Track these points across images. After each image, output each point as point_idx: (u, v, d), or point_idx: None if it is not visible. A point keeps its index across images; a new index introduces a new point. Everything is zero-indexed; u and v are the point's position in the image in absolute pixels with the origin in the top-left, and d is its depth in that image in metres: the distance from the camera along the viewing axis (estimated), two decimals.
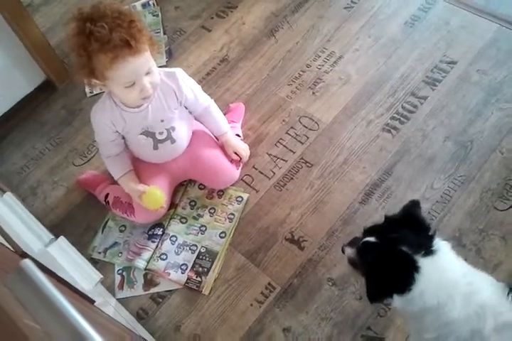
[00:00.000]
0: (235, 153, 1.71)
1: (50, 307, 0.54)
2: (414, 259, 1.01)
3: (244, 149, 1.74)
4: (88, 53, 1.24)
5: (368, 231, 1.15)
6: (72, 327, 0.54)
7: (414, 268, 1.01)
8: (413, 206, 1.15)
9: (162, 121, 1.50)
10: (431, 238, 1.06)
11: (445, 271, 1.02)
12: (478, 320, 0.97)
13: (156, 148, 1.56)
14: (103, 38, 1.20)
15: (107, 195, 1.71)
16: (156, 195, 1.53)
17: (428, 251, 1.02)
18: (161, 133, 1.53)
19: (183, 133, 1.60)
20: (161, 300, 1.58)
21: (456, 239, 1.55)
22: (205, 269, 1.60)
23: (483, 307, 0.98)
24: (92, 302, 1.22)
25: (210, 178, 1.71)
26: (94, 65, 1.27)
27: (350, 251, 1.19)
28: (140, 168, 1.64)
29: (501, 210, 1.59)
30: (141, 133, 1.51)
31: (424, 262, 1.01)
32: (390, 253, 1.04)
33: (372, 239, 1.10)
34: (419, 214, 1.13)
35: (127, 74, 1.28)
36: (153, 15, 2.24)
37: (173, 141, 1.57)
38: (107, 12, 1.22)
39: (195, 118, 1.70)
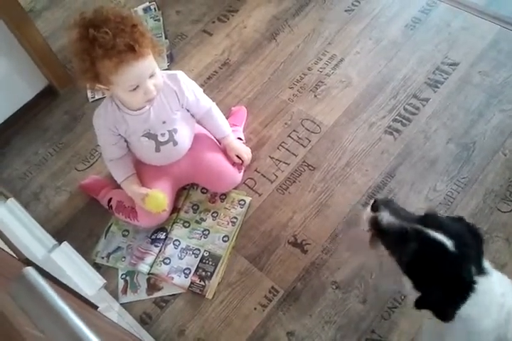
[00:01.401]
0: (237, 156, 1.71)
1: (52, 314, 0.54)
2: (474, 281, 0.95)
3: (246, 152, 1.74)
4: (92, 58, 1.24)
5: (427, 220, 1.03)
6: (74, 335, 0.54)
7: (471, 289, 0.95)
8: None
9: (164, 122, 1.51)
10: (481, 255, 1.00)
11: (495, 289, 0.98)
12: (505, 326, 0.95)
13: (158, 150, 1.56)
14: (107, 44, 1.21)
15: (110, 200, 1.71)
16: (158, 198, 1.53)
17: (484, 271, 0.97)
18: (163, 135, 1.53)
19: (185, 136, 1.60)
20: (164, 304, 1.58)
21: None
22: (209, 273, 1.60)
23: (510, 313, 0.96)
24: (96, 307, 1.22)
25: (213, 182, 1.71)
26: (98, 70, 1.28)
27: (387, 216, 1.05)
28: (142, 172, 1.64)
29: (504, 212, 1.59)
30: (143, 136, 1.51)
31: (480, 282, 0.96)
32: (459, 272, 0.96)
33: (441, 237, 0.97)
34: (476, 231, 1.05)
35: (132, 78, 1.29)
36: (155, 20, 2.25)
37: (175, 143, 1.57)
38: (109, 17, 1.23)
39: (197, 122, 1.70)
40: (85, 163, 1.90)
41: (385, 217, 1.05)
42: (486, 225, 1.57)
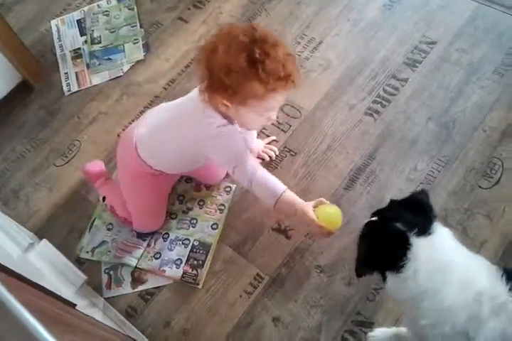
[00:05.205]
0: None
1: (9, 320, 0.53)
2: (406, 236, 1.00)
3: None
4: (241, 78, 1.14)
5: (374, 214, 1.13)
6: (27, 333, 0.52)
7: (406, 245, 0.99)
8: (421, 193, 1.15)
9: None
10: (430, 221, 1.04)
11: (440, 253, 1.01)
12: (475, 306, 0.96)
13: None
14: (274, 72, 1.13)
15: (104, 197, 1.70)
16: (332, 214, 1.31)
17: (423, 231, 1.01)
18: None
19: None
20: (149, 297, 1.57)
21: (442, 219, 1.52)
22: (200, 262, 1.60)
23: (480, 293, 0.96)
24: (73, 305, 1.20)
25: (210, 175, 1.71)
26: (240, 90, 1.16)
27: None
28: (159, 182, 1.59)
29: (485, 188, 1.59)
30: None
31: (417, 241, 0.99)
32: (383, 229, 1.04)
33: (374, 218, 1.09)
34: (425, 199, 1.11)
35: (272, 106, 1.24)
36: (129, 9, 2.21)
37: None
38: (278, 42, 1.16)
39: None
40: (63, 158, 1.88)
41: None
42: (467, 202, 1.57)
